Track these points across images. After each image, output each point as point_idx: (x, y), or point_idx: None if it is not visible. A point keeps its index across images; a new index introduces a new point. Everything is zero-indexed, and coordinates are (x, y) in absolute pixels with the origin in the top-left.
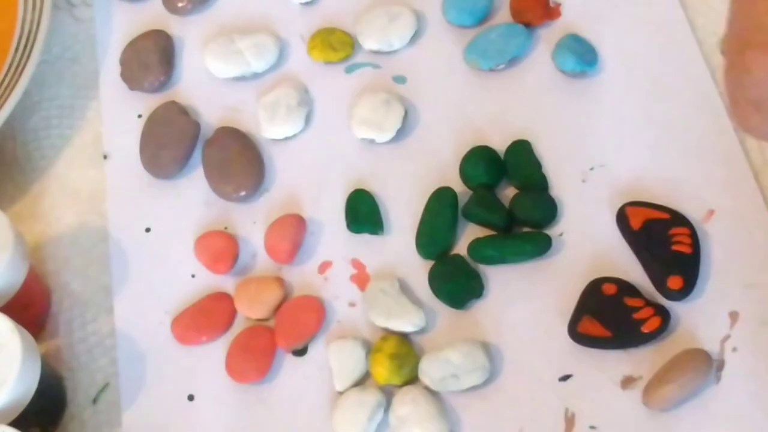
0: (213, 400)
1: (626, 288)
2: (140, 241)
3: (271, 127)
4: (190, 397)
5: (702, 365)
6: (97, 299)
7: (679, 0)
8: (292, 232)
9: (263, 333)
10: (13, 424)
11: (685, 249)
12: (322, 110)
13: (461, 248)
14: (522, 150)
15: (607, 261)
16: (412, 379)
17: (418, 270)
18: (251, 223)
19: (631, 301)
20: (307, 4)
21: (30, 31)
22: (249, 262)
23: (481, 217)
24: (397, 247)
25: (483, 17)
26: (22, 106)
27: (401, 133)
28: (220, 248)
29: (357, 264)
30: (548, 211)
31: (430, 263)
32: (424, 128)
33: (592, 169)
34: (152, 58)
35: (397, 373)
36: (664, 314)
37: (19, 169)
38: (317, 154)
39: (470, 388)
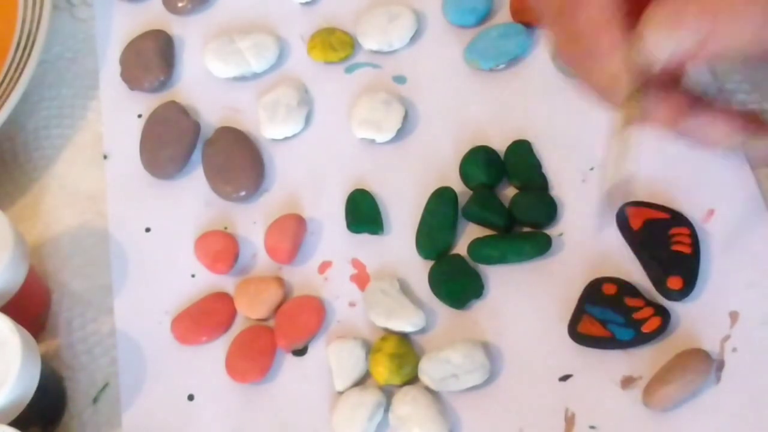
0: (213, 400)
1: (626, 288)
2: (140, 241)
3: (271, 127)
4: (190, 397)
5: (702, 365)
6: (97, 299)
7: None
8: (292, 232)
9: (263, 333)
10: (13, 424)
11: (685, 249)
12: (322, 110)
13: (461, 248)
14: (522, 150)
15: (607, 261)
16: (412, 379)
17: (418, 270)
18: (251, 223)
19: (631, 301)
20: (307, 4)
21: (30, 31)
22: (249, 262)
23: (481, 217)
24: (397, 247)
25: (483, 17)
26: (22, 106)
27: (401, 133)
28: (220, 248)
29: (357, 264)
30: (548, 211)
31: (430, 263)
32: (424, 128)
33: (592, 169)
34: (152, 58)
35: (397, 373)
36: (664, 314)
37: (19, 169)
38: (317, 154)
39: (470, 388)
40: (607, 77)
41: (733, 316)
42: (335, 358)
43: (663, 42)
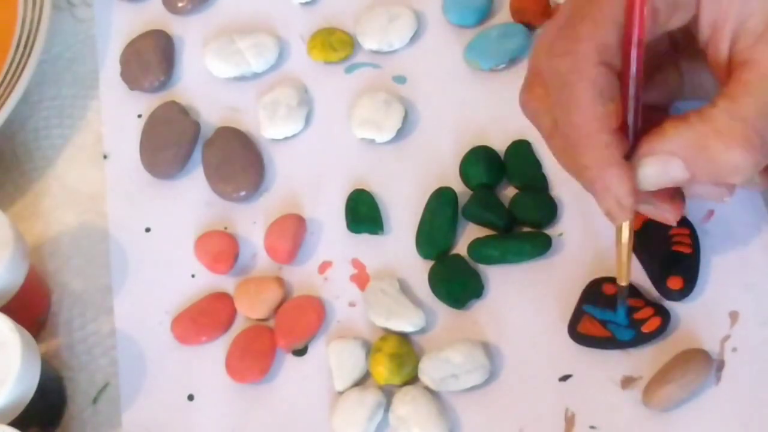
0: (213, 400)
1: None
2: (140, 241)
3: (271, 127)
4: (190, 397)
5: (702, 365)
6: (97, 299)
7: None
8: (292, 232)
9: (263, 333)
10: (13, 424)
11: (685, 249)
12: (322, 110)
13: (461, 248)
14: (522, 150)
15: (607, 261)
16: (412, 379)
17: (418, 270)
18: (251, 223)
19: (631, 301)
20: (307, 4)
21: (30, 31)
22: (249, 262)
23: (481, 217)
24: (397, 247)
25: (483, 17)
26: (22, 106)
27: (401, 133)
28: (220, 248)
29: (357, 264)
30: (548, 211)
31: (430, 263)
32: (424, 128)
33: None
34: (152, 58)
35: (397, 373)
36: (664, 314)
37: (19, 169)
38: (317, 154)
39: (470, 388)
40: (613, 204)
41: (733, 316)
42: (335, 358)
43: (653, 186)
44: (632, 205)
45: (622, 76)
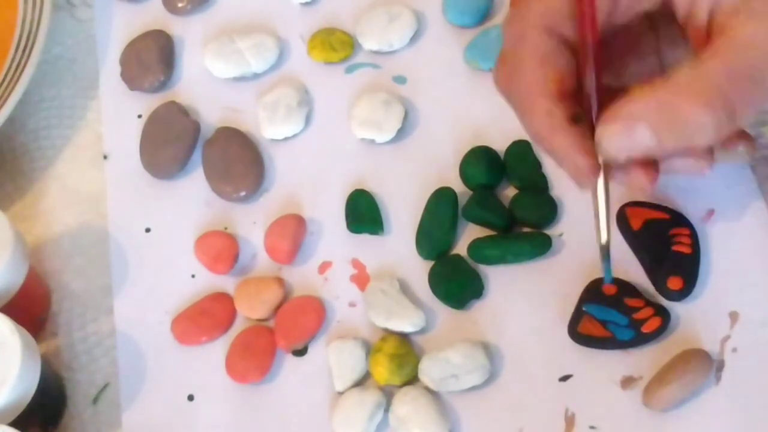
0: (213, 400)
1: (626, 288)
2: (140, 241)
3: (271, 127)
4: (190, 397)
5: (702, 365)
6: (97, 299)
7: None
8: (292, 232)
9: (263, 333)
10: (13, 424)
11: (685, 249)
12: (322, 110)
13: (461, 248)
14: (522, 150)
15: None
16: (412, 379)
17: (418, 270)
18: (251, 223)
19: (631, 301)
20: (307, 4)
21: (30, 31)
22: (249, 262)
23: (481, 217)
24: (397, 247)
25: (483, 17)
26: (22, 106)
27: (401, 133)
28: (220, 248)
29: (357, 264)
30: (548, 211)
31: (430, 263)
32: (424, 128)
33: None
34: (152, 58)
35: (397, 373)
36: (664, 314)
37: (19, 169)
38: (317, 154)
39: (470, 388)
40: (573, 170)
41: (733, 316)
42: (335, 358)
43: (619, 152)
44: (589, 168)
45: (580, 44)
